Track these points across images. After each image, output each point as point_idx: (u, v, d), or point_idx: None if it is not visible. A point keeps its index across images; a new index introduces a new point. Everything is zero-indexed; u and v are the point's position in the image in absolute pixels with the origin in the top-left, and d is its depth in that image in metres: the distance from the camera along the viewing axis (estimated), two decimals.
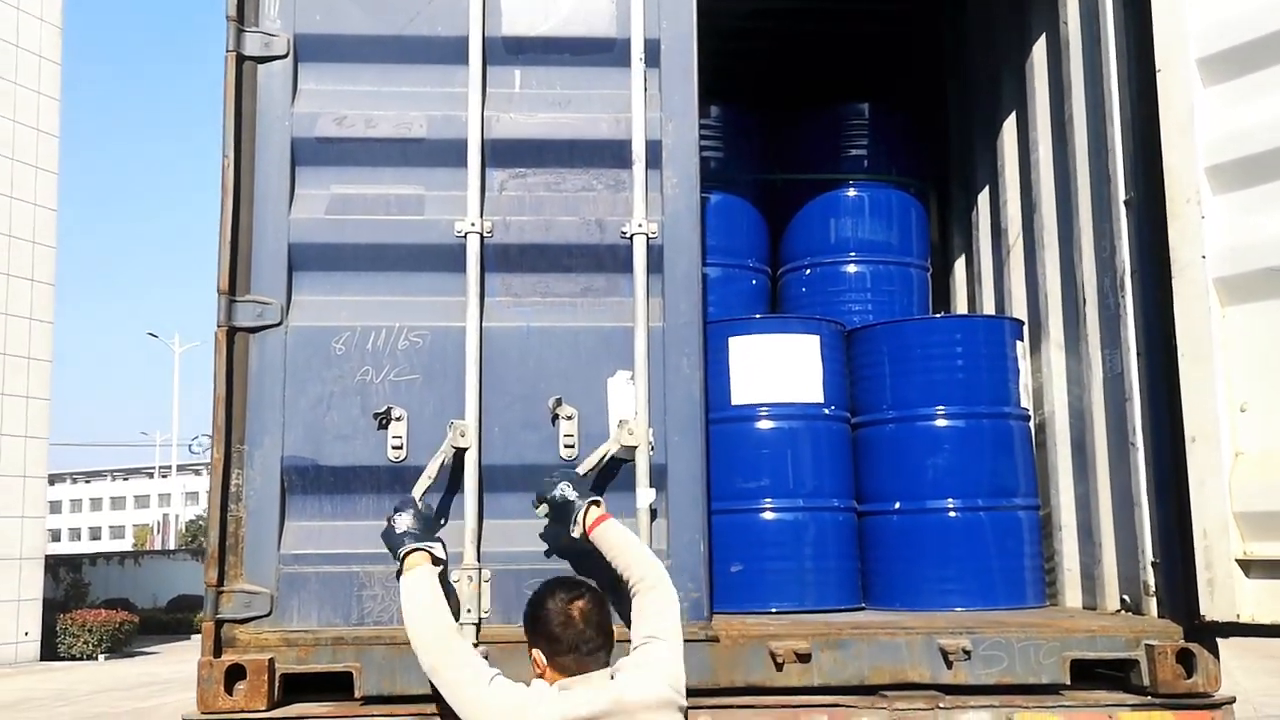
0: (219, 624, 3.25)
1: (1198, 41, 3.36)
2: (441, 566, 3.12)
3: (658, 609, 2.99)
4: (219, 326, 3.36)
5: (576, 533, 3.16)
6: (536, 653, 2.83)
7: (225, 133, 3.43)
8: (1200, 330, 3.28)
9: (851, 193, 5.18)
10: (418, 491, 3.28)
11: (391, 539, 3.14)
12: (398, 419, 3.39)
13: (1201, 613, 3.25)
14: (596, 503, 3.19)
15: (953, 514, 4.22)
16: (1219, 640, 3.37)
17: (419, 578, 3.03)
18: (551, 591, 2.87)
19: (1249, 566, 3.19)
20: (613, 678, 2.78)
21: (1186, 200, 3.33)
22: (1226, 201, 3.29)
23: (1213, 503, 3.23)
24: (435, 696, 2.93)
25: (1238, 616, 3.16)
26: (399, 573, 3.08)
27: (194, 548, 32.45)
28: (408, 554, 3.07)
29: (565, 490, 3.19)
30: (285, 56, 3.53)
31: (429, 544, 3.11)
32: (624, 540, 3.14)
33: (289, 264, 3.45)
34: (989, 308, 5.08)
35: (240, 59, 3.48)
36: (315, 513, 3.39)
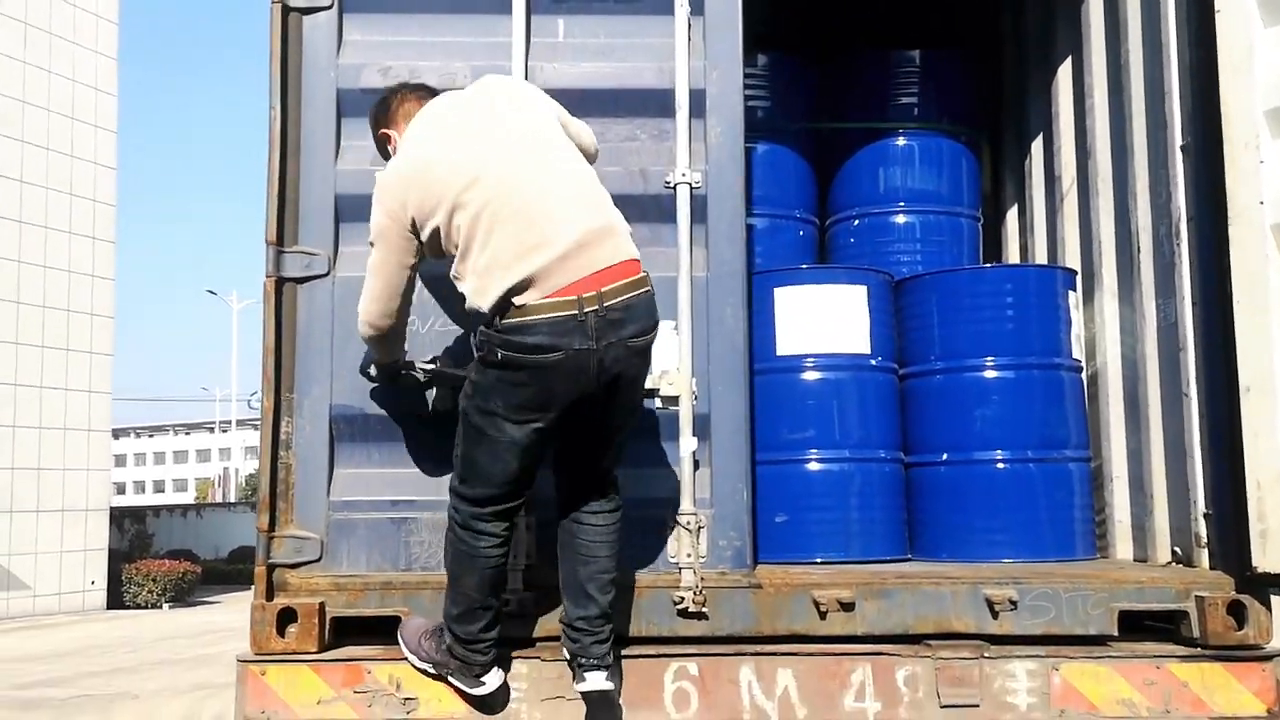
0: (270, 569, 3.32)
1: None
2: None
3: None
4: (267, 277, 3.40)
5: None
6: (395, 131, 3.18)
7: (272, 84, 3.44)
8: (1257, 278, 3.20)
9: (900, 141, 5.10)
10: None
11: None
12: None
13: (1254, 564, 3.20)
14: None
15: (1001, 465, 4.18)
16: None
17: None
18: None
19: None
20: None
21: (1245, 145, 3.24)
22: None
23: (1267, 454, 3.17)
24: None
25: None
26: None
27: (254, 500, 33.09)
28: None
29: None
30: (330, 8, 3.53)
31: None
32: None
33: (336, 215, 3.48)
34: (1041, 258, 4.99)
35: (286, 10, 3.48)
36: (363, 460, 3.44)
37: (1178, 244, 3.65)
